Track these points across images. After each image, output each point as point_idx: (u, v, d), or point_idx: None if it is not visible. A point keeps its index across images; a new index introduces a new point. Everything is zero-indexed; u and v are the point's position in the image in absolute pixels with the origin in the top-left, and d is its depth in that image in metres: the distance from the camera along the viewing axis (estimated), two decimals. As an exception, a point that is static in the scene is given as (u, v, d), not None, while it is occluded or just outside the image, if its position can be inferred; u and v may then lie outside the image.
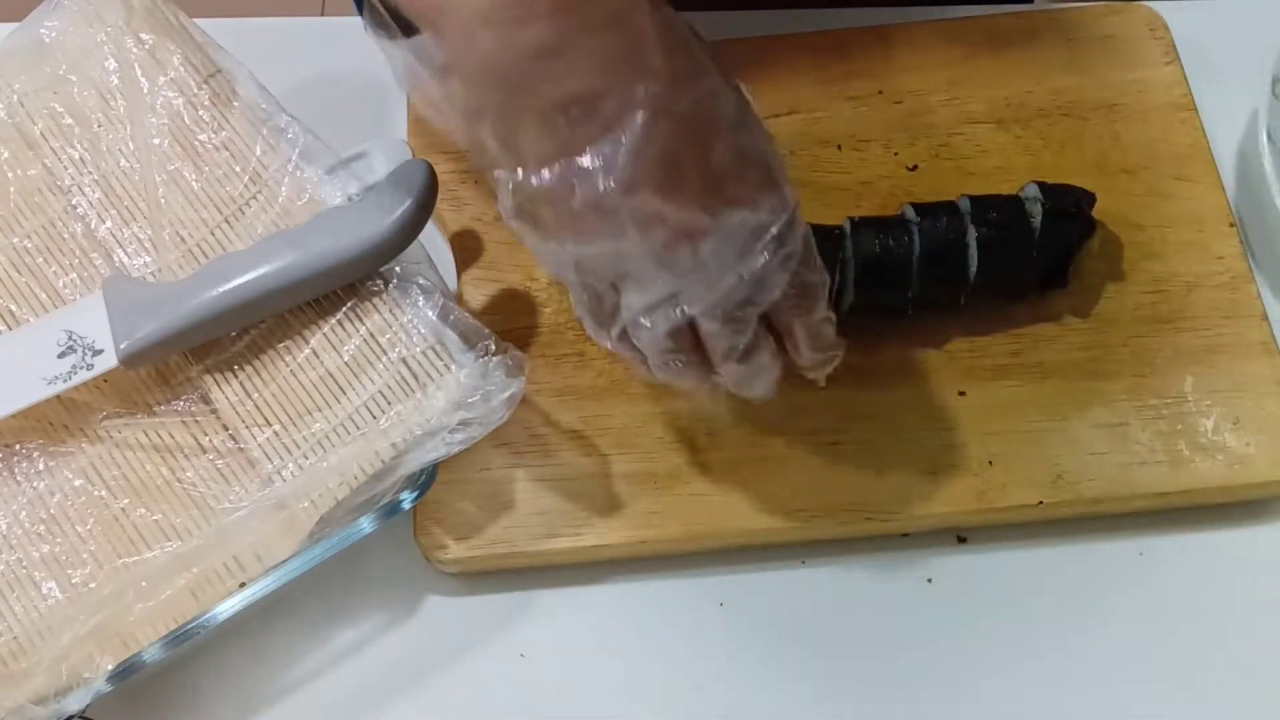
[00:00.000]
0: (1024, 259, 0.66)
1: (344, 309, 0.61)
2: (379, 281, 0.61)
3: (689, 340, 0.54)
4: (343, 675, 0.64)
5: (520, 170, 0.49)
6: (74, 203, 0.64)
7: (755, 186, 0.50)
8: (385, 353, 0.60)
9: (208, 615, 0.58)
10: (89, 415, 0.61)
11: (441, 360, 0.60)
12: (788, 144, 0.72)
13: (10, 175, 0.65)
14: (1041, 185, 0.67)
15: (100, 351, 0.59)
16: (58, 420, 0.61)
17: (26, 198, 0.65)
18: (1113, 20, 0.77)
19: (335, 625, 0.65)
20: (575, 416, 0.66)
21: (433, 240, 0.72)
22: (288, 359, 0.60)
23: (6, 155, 0.65)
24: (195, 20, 0.67)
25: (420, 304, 0.60)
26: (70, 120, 0.65)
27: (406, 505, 0.60)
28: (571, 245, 0.50)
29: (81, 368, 0.59)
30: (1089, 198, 0.68)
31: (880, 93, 0.75)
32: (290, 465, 0.59)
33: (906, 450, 0.66)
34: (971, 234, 0.65)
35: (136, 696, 0.63)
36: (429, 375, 0.59)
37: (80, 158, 0.65)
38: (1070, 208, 0.67)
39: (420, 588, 0.66)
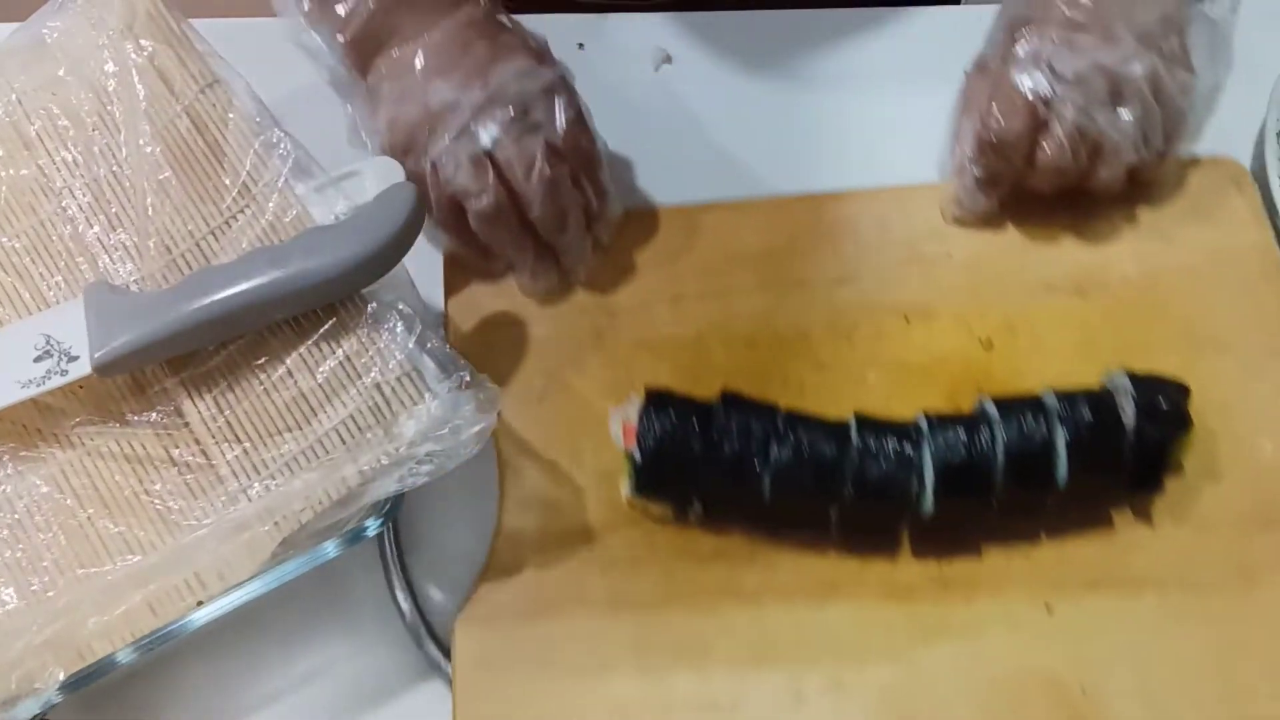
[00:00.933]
0: (1116, 463, 0.62)
1: (322, 330, 0.60)
2: (359, 304, 0.60)
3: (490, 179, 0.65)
4: (304, 697, 0.64)
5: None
6: (64, 205, 0.64)
7: (533, 57, 0.67)
8: (360, 377, 0.59)
9: (166, 629, 0.58)
10: (61, 420, 0.61)
11: (415, 388, 0.59)
12: (849, 317, 0.69)
13: (4, 174, 0.65)
14: (1133, 377, 0.63)
15: (76, 358, 0.59)
16: (30, 424, 0.61)
17: (18, 198, 0.65)
18: (1196, 175, 0.72)
19: (299, 647, 0.65)
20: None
21: (429, 254, 0.71)
22: (262, 376, 0.60)
23: (1, 154, 0.65)
24: (195, 21, 0.67)
25: (398, 330, 0.60)
26: (66, 122, 0.65)
27: (371, 532, 0.59)
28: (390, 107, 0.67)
29: (56, 373, 0.59)
30: (1183, 392, 0.63)
31: (949, 255, 0.70)
32: (257, 485, 0.58)
33: (991, 671, 0.61)
34: (1060, 436, 0.61)
35: (94, 706, 0.63)
36: (401, 403, 0.59)
37: (73, 160, 0.65)
38: (1165, 405, 0.62)
39: (388, 613, 0.65)
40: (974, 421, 0.62)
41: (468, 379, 0.58)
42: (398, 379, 0.59)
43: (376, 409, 0.59)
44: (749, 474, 0.61)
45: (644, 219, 0.73)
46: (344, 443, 0.58)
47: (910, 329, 0.69)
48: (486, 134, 0.65)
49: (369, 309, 0.60)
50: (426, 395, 0.59)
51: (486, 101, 0.65)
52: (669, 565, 0.64)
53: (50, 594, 0.58)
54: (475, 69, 0.65)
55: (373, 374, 0.59)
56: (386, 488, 0.57)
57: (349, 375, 0.59)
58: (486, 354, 0.69)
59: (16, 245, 0.64)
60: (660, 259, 0.71)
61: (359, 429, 0.58)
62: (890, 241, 0.71)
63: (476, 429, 0.57)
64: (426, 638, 0.64)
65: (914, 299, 0.69)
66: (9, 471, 0.60)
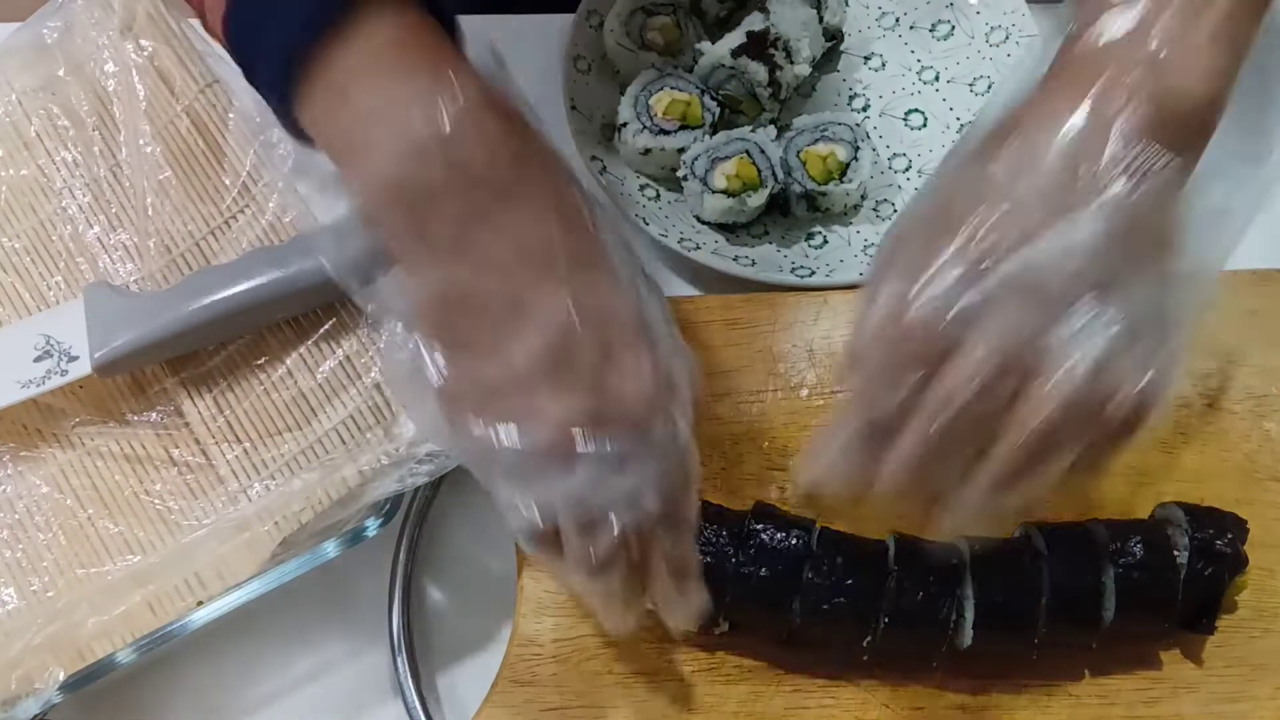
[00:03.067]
0: (1167, 603, 0.59)
1: (321, 330, 0.60)
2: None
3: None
4: (304, 697, 0.64)
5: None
6: (64, 205, 0.64)
7: (645, 404, 0.48)
8: (360, 377, 0.59)
9: (166, 629, 0.58)
10: (62, 420, 0.61)
11: (415, 388, 0.59)
12: None
13: (4, 174, 0.65)
14: (1187, 510, 0.60)
15: (76, 358, 0.59)
16: (30, 424, 0.61)
17: (18, 198, 0.65)
18: (1259, 291, 0.69)
19: (299, 647, 0.65)
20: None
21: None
22: (262, 377, 0.60)
23: (1, 154, 0.65)
24: (195, 21, 0.67)
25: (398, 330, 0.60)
26: (66, 122, 0.65)
27: (371, 533, 0.59)
28: (446, 421, 0.49)
29: (56, 373, 0.59)
30: (1241, 529, 0.60)
31: None
32: (257, 484, 0.59)
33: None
34: (1109, 574, 0.58)
35: (93, 706, 0.63)
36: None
37: (73, 160, 0.65)
38: (1221, 542, 0.59)
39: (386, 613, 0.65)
40: (1018, 551, 0.59)
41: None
42: (398, 379, 0.59)
43: (376, 409, 0.59)
44: (779, 596, 0.58)
45: (681, 311, 0.68)
46: (344, 443, 0.58)
47: None
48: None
49: (368, 309, 0.60)
50: (426, 395, 0.59)
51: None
52: (690, 683, 0.61)
53: (50, 594, 0.58)
54: (584, 414, 0.48)
55: (373, 374, 0.59)
56: (386, 488, 0.57)
57: (349, 376, 0.59)
58: None
59: (16, 245, 0.64)
60: (696, 355, 0.68)
61: (359, 429, 0.59)
62: None
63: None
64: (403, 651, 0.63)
65: None
66: (9, 471, 0.60)
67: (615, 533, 0.49)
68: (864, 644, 0.59)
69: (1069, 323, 0.47)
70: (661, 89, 0.74)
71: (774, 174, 0.72)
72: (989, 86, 0.77)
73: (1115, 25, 0.48)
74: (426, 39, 0.48)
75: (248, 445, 0.59)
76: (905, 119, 0.78)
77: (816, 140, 0.74)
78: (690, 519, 0.52)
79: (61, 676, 0.56)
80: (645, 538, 0.51)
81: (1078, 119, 0.48)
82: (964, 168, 0.50)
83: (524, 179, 0.48)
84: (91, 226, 0.64)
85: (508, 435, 0.48)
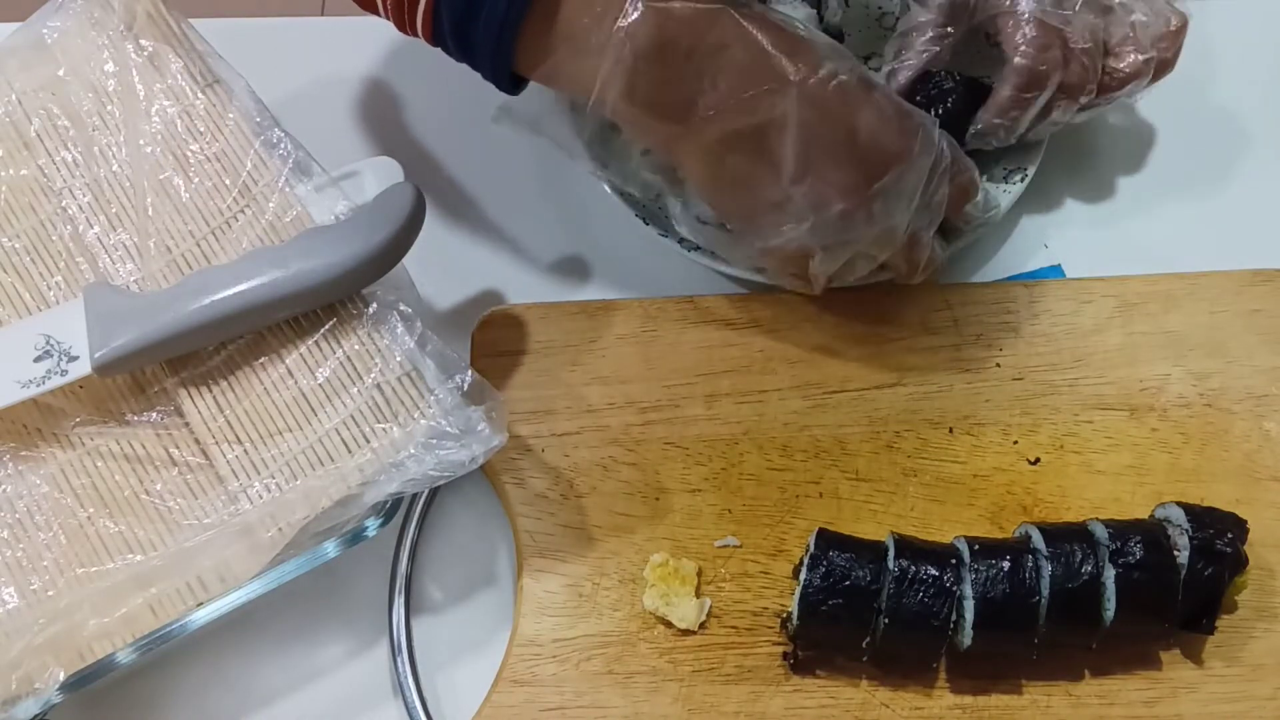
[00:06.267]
0: (1167, 603, 0.59)
1: (322, 330, 0.60)
2: (359, 304, 0.60)
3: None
4: (304, 697, 0.64)
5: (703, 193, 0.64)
6: (64, 205, 0.64)
7: (897, 140, 0.59)
8: (360, 378, 0.59)
9: (166, 629, 0.58)
10: (62, 420, 0.61)
11: (416, 389, 0.59)
12: (891, 426, 0.67)
13: (4, 174, 0.65)
14: (1187, 510, 0.61)
15: (76, 358, 0.59)
16: (30, 424, 0.61)
17: (18, 198, 0.65)
18: (1259, 291, 0.70)
19: (300, 647, 0.65)
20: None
21: (429, 254, 0.71)
22: (262, 376, 0.60)
23: (1, 154, 0.65)
24: (196, 21, 0.67)
25: (399, 330, 0.60)
26: (66, 122, 0.65)
27: (371, 533, 0.59)
28: (759, 241, 0.63)
29: (56, 373, 0.59)
30: (1241, 529, 0.61)
31: (998, 365, 0.68)
32: (257, 484, 0.58)
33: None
34: (1109, 573, 0.59)
35: (93, 706, 0.63)
36: (402, 403, 0.59)
37: (73, 160, 0.65)
38: (1221, 542, 0.60)
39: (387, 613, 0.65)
40: (1018, 551, 0.60)
41: (469, 379, 0.58)
42: (398, 379, 0.59)
43: (377, 409, 0.59)
44: None
45: (681, 310, 0.70)
46: (345, 443, 0.58)
47: (954, 440, 0.67)
48: None
49: (369, 309, 0.60)
50: (428, 395, 0.59)
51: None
52: (691, 682, 0.62)
53: (50, 594, 0.58)
54: (860, 185, 0.61)
55: (373, 374, 0.59)
56: (387, 489, 0.57)
57: (349, 376, 0.59)
58: (509, 452, 0.66)
59: (16, 245, 0.64)
60: (696, 355, 0.69)
61: (359, 429, 0.58)
62: (936, 347, 0.69)
63: (485, 449, 0.57)
64: (403, 651, 0.64)
65: (959, 409, 0.67)
66: (9, 471, 0.60)
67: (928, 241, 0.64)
68: (863, 644, 0.59)
69: None
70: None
71: (774, 174, 0.72)
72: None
73: None
74: None
75: (248, 445, 0.59)
76: (905, 119, 0.77)
77: (816, 140, 0.74)
78: (973, 178, 0.66)
79: (61, 676, 0.56)
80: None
81: None
82: None
83: (720, 24, 0.58)
84: (91, 226, 0.64)
85: (815, 221, 0.60)
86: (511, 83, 0.62)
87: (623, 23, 0.56)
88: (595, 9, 0.57)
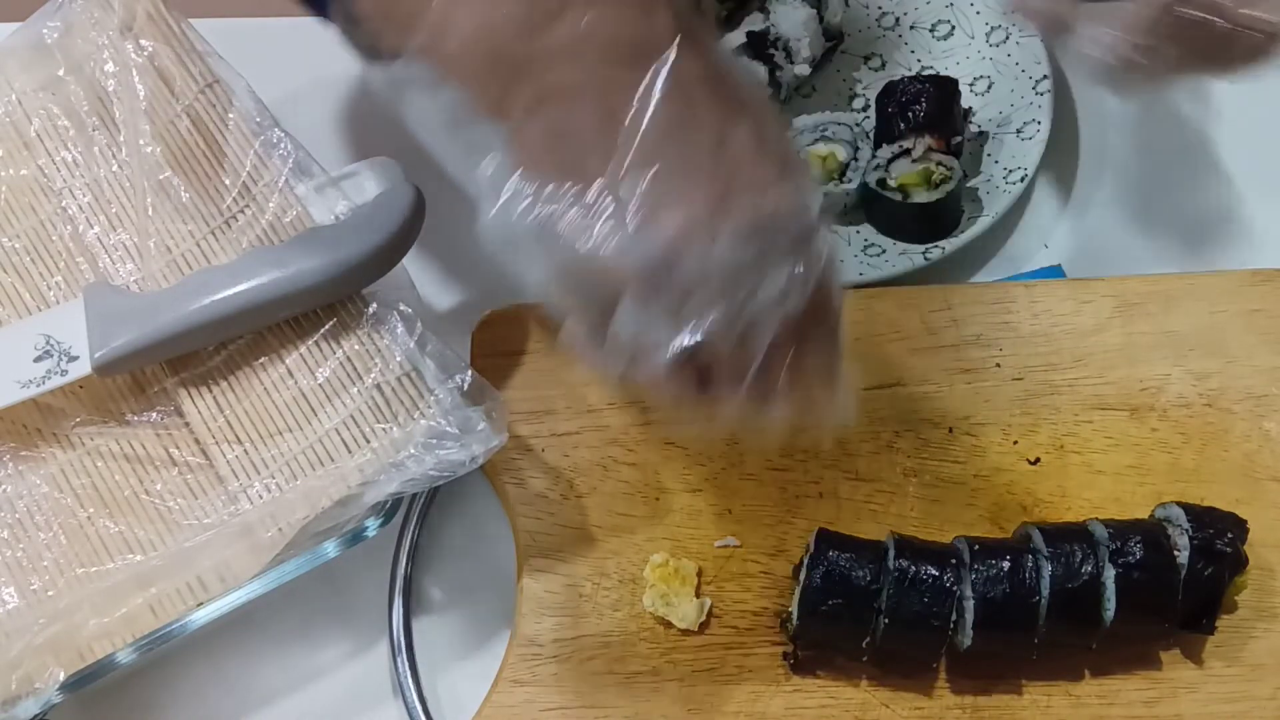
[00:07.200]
0: (1167, 602, 0.59)
1: (322, 330, 0.60)
2: (359, 304, 0.61)
3: (689, 364, 0.47)
4: (304, 697, 0.64)
5: (513, 164, 0.46)
6: (64, 205, 0.64)
7: (774, 180, 0.45)
8: (360, 378, 0.59)
9: (166, 629, 0.58)
10: (62, 420, 0.61)
11: (416, 389, 0.59)
12: (891, 426, 0.66)
13: (4, 174, 0.65)
14: (1187, 510, 0.61)
15: (76, 358, 0.59)
16: (30, 424, 0.61)
17: (18, 198, 0.65)
18: (1259, 291, 0.69)
19: (300, 647, 0.65)
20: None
21: (429, 254, 0.71)
22: (262, 376, 0.60)
23: (1, 154, 0.65)
24: (196, 21, 0.67)
25: (399, 330, 0.60)
26: (66, 122, 0.65)
27: (371, 533, 0.59)
28: (560, 249, 0.45)
29: (56, 373, 0.59)
30: (1241, 529, 0.60)
31: (998, 365, 0.68)
32: (257, 484, 0.58)
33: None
34: (1109, 573, 0.58)
35: (93, 706, 0.63)
36: (401, 403, 0.59)
37: (73, 160, 0.65)
38: (1221, 542, 0.59)
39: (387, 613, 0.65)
40: (1018, 551, 0.59)
41: (468, 379, 0.58)
42: (398, 379, 0.59)
43: (377, 409, 0.59)
44: None
45: None
46: (344, 443, 0.58)
47: (954, 441, 0.67)
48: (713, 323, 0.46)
49: (369, 309, 0.60)
50: (428, 395, 0.59)
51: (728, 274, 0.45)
52: (691, 683, 0.61)
53: (50, 594, 0.58)
54: (711, 199, 0.44)
55: (373, 374, 0.59)
56: (387, 489, 0.57)
57: (349, 376, 0.59)
58: (509, 452, 0.66)
59: (16, 245, 0.64)
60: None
61: (359, 429, 0.58)
62: (936, 347, 0.69)
63: (485, 448, 0.57)
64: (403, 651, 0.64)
65: (959, 409, 0.67)
66: (9, 471, 0.60)
67: (769, 335, 0.45)
68: (863, 644, 0.59)
69: None
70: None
71: (774, 174, 0.72)
72: (989, 86, 0.77)
73: None
74: None
75: (248, 445, 0.59)
76: (905, 119, 0.78)
77: (816, 140, 0.74)
78: (839, 308, 0.48)
79: (61, 676, 0.56)
80: (792, 340, 0.47)
81: None
82: None
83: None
84: (91, 226, 0.64)
85: (638, 237, 0.44)
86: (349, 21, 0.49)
87: None
88: None
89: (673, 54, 0.44)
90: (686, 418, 0.49)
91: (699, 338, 0.45)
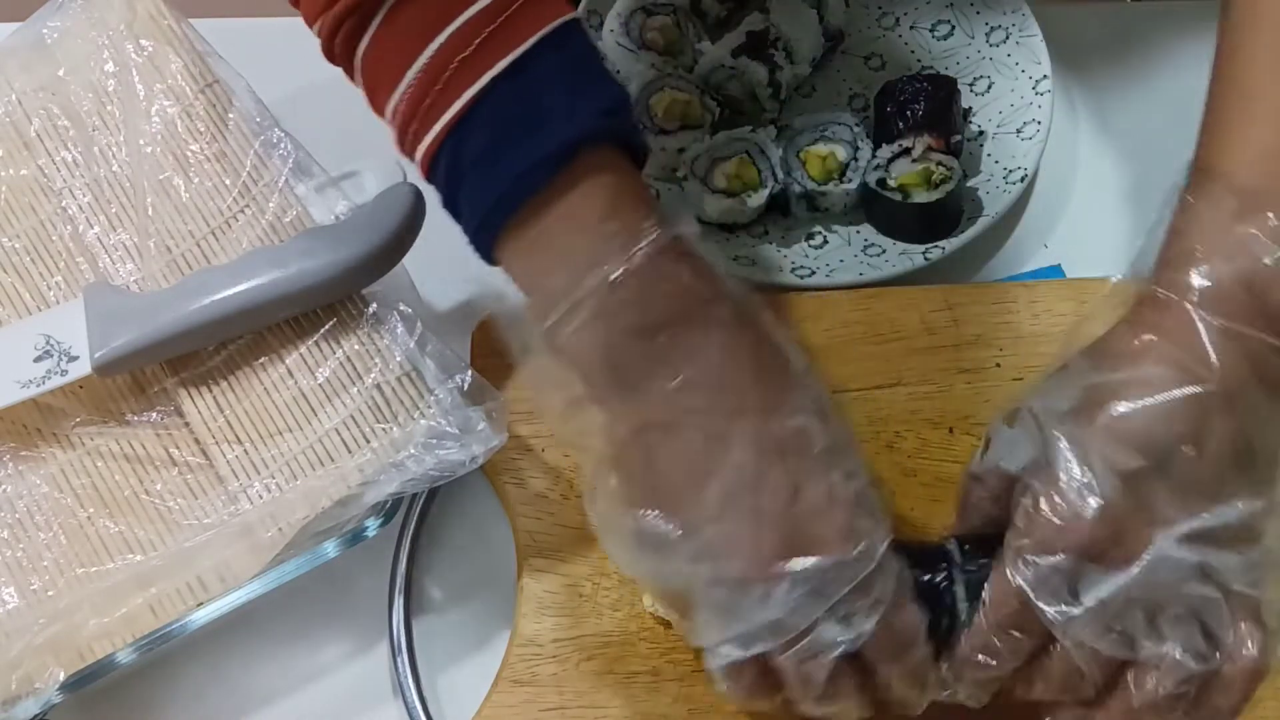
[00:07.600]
0: None
1: (322, 330, 0.60)
2: (359, 304, 0.61)
3: (759, 668, 0.52)
4: (304, 697, 0.64)
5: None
6: (64, 205, 0.64)
7: (839, 531, 0.50)
8: (360, 378, 0.59)
9: (166, 629, 0.58)
10: (62, 420, 0.61)
11: (416, 389, 0.59)
12: (892, 422, 0.66)
13: (4, 174, 0.65)
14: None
15: (76, 358, 0.59)
16: (30, 424, 0.61)
17: (18, 198, 0.65)
18: None
19: (300, 647, 0.65)
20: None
21: (429, 254, 0.71)
22: (262, 376, 0.60)
23: (1, 154, 0.65)
24: (196, 21, 0.67)
25: (399, 330, 0.60)
26: (66, 122, 0.65)
27: (371, 533, 0.59)
28: (649, 562, 0.52)
29: (56, 373, 0.59)
30: None
31: (998, 365, 0.67)
32: (257, 484, 0.59)
33: None
34: None
35: (93, 706, 0.63)
36: (402, 403, 0.59)
37: (73, 160, 0.65)
38: None
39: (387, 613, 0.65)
40: None
41: (468, 379, 0.58)
42: (398, 379, 0.59)
43: (377, 409, 0.59)
44: None
45: None
46: (344, 443, 0.58)
47: (954, 440, 0.66)
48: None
49: (369, 309, 0.60)
50: (427, 395, 0.59)
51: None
52: (690, 683, 0.61)
53: (50, 594, 0.58)
54: (777, 548, 0.49)
55: (373, 374, 0.59)
56: (387, 489, 0.57)
57: (349, 376, 0.59)
58: (509, 452, 0.64)
59: (16, 245, 0.64)
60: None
61: (359, 429, 0.59)
62: (936, 347, 0.68)
63: (485, 448, 0.57)
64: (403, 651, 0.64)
65: (959, 409, 0.67)
66: (9, 471, 0.60)
67: (835, 655, 0.50)
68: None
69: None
70: (661, 89, 0.74)
71: (774, 174, 0.72)
72: (989, 86, 0.77)
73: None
74: (629, 191, 0.50)
75: (248, 445, 0.59)
76: (905, 119, 0.78)
77: (816, 140, 0.74)
78: (915, 629, 0.52)
79: (61, 676, 0.56)
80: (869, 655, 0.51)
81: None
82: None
83: (712, 320, 0.50)
84: (91, 226, 0.64)
85: (708, 567, 0.50)
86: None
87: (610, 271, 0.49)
88: (577, 255, 0.50)
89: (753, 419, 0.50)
90: (752, 706, 0.54)
91: (747, 654, 0.50)
